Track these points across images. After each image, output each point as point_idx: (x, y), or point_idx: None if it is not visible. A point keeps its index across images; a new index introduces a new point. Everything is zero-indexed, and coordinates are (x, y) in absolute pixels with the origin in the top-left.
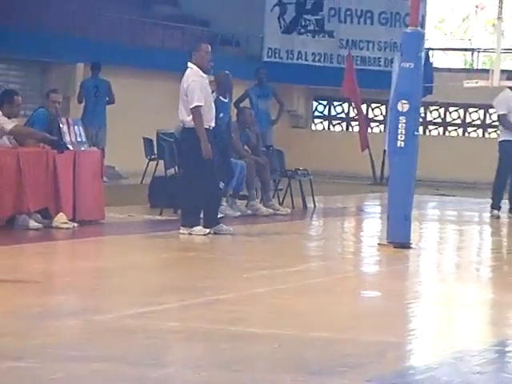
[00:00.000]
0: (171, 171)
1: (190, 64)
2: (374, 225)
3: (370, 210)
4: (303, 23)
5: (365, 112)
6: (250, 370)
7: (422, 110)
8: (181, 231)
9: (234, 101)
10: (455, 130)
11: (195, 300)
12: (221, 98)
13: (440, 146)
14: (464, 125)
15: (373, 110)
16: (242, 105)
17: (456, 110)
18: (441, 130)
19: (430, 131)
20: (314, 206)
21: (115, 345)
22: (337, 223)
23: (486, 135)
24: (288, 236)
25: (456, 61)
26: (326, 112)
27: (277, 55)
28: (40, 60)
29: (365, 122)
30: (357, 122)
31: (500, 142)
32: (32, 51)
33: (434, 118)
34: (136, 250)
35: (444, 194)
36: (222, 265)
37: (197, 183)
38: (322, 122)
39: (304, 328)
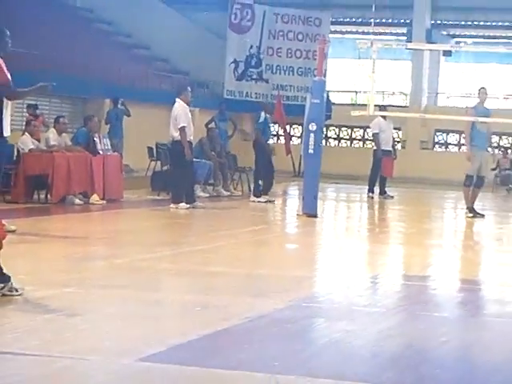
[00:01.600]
0: (165, 168)
1: (177, 99)
2: (294, 202)
3: (291, 192)
4: (249, 74)
5: (288, 130)
6: (216, 294)
7: (324, 129)
8: (171, 206)
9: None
10: (345, 142)
11: (180, 250)
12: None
13: (335, 152)
14: (351, 139)
15: (293, 129)
16: (210, 126)
17: (346, 130)
18: (336, 142)
19: (329, 143)
20: None
21: (129, 278)
22: (253, 204)
23: (365, 146)
24: (240, 209)
25: (346, 98)
26: None
27: (232, 94)
28: (81, 96)
29: (288, 136)
30: (283, 137)
31: (374, 150)
32: (76, 91)
33: (332, 135)
34: (142, 218)
35: (337, 183)
36: (197, 228)
37: (181, 175)
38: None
39: (251, 268)
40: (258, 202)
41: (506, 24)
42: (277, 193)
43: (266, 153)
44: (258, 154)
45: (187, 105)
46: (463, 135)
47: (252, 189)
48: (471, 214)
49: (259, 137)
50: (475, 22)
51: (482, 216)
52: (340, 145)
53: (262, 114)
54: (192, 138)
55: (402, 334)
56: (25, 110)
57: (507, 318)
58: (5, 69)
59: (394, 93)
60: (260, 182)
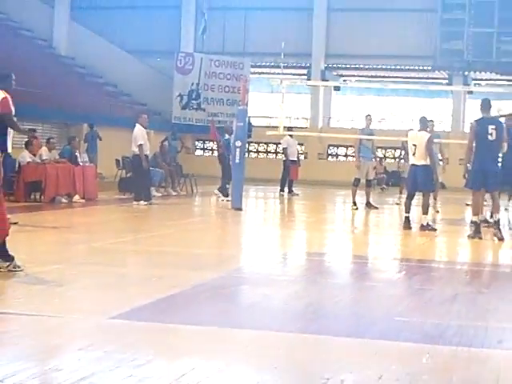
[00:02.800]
0: (129, 175)
1: (137, 124)
2: (221, 201)
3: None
4: (191, 104)
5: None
6: (167, 268)
7: (246, 145)
8: (133, 203)
9: (160, 140)
10: (262, 154)
11: (140, 236)
12: (226, 135)
13: (255, 162)
14: (266, 152)
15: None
16: (163, 143)
17: (263, 145)
18: (255, 154)
19: (250, 155)
20: (197, 191)
21: (102, 257)
22: (206, 198)
23: (277, 157)
24: (183, 205)
25: (262, 122)
26: (202, 146)
27: (179, 120)
28: (65, 122)
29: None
30: (217, 150)
31: (283, 160)
32: (61, 118)
33: (252, 149)
34: (112, 212)
35: (257, 185)
36: (152, 219)
37: (140, 180)
38: (201, 150)
39: (192, 248)
40: (227, 200)
41: (379, 67)
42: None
43: (229, 163)
44: (223, 163)
45: (144, 128)
46: (350, 148)
47: (219, 189)
48: (355, 207)
49: (224, 151)
50: (357, 65)
51: (376, 208)
52: (258, 156)
53: (226, 135)
54: (148, 152)
55: (306, 296)
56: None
57: (383, 283)
58: (11, 103)
59: (297, 117)
60: (227, 186)
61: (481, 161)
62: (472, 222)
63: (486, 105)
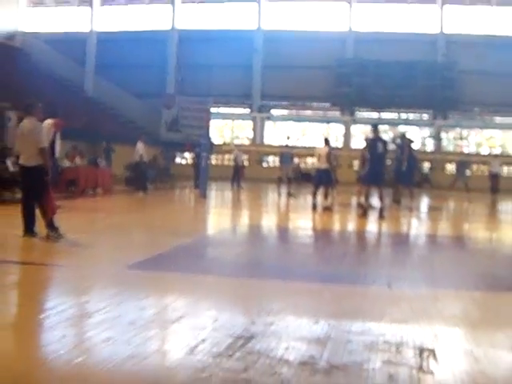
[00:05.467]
0: (132, 174)
1: (139, 141)
2: (193, 192)
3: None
4: (173, 128)
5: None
6: (156, 236)
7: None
8: (137, 193)
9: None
10: (220, 162)
11: (140, 215)
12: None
13: (215, 167)
14: (222, 160)
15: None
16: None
17: (220, 156)
18: (216, 162)
19: (212, 162)
20: (176, 186)
21: (116, 229)
22: (183, 190)
23: (229, 163)
24: (167, 194)
25: (220, 140)
26: (180, 156)
27: (165, 138)
28: (91, 142)
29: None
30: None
31: (233, 165)
32: (90, 138)
33: (213, 158)
34: (122, 199)
35: (217, 181)
36: (147, 204)
37: (140, 177)
38: (179, 159)
39: (171, 223)
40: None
41: (297, 104)
42: (185, 185)
43: (198, 167)
44: (195, 167)
45: (144, 143)
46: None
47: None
48: (293, 195)
49: (196, 159)
50: (282, 103)
51: (295, 197)
52: (217, 163)
53: (197, 149)
54: (146, 159)
55: (250, 253)
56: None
57: (299, 244)
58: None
59: (244, 137)
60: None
61: (372, 166)
62: (361, 205)
63: (375, 128)
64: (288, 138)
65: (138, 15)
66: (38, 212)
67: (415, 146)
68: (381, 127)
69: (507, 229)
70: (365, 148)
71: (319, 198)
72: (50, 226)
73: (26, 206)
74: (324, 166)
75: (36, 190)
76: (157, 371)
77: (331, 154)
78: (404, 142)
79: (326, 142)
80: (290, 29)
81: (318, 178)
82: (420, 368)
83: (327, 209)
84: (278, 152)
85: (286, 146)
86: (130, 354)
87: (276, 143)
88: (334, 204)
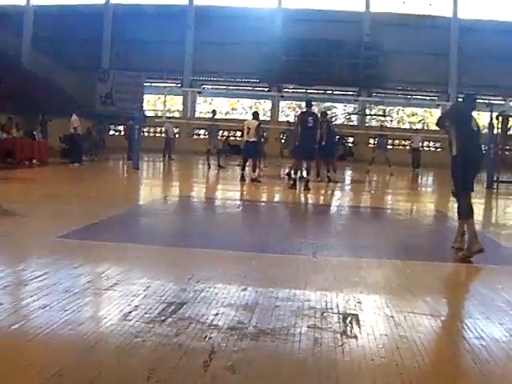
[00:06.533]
0: (67, 146)
1: (73, 114)
2: (126, 163)
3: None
4: (107, 102)
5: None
6: (91, 206)
7: (142, 128)
8: (70, 165)
9: None
10: (152, 134)
11: (75, 186)
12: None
13: (148, 139)
14: (155, 132)
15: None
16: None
17: (153, 128)
18: (147, 134)
19: (145, 134)
20: (110, 157)
21: (52, 199)
22: (116, 162)
23: (161, 136)
24: (102, 166)
25: (152, 113)
26: (114, 128)
27: (99, 111)
28: (29, 114)
29: (127, 131)
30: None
31: (165, 137)
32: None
33: (146, 131)
34: (58, 171)
35: (149, 153)
36: (83, 175)
37: (75, 149)
38: (113, 131)
39: (106, 194)
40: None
41: (228, 80)
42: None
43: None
44: (128, 139)
45: (78, 116)
46: (205, 131)
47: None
48: (222, 167)
49: (129, 131)
50: (213, 78)
51: (224, 167)
52: (149, 135)
53: (130, 121)
54: (80, 131)
55: (179, 223)
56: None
57: (229, 214)
58: None
59: (175, 110)
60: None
61: (303, 140)
62: (292, 178)
63: (308, 103)
64: (214, 112)
65: None
66: None
67: (337, 122)
68: (313, 103)
69: (427, 201)
70: (296, 123)
71: (247, 170)
72: None
73: None
74: (253, 138)
75: None
76: (92, 337)
77: (260, 128)
78: (323, 119)
79: (255, 115)
80: (222, 5)
81: (246, 150)
82: (344, 332)
83: (255, 180)
84: (207, 126)
85: (212, 118)
86: (65, 320)
87: (206, 117)
88: (261, 176)
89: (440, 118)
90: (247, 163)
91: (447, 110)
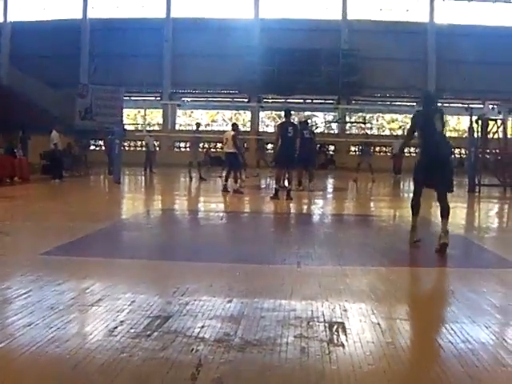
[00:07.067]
0: (48, 163)
1: (53, 130)
2: (107, 178)
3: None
4: (87, 117)
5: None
6: (74, 221)
7: (123, 142)
8: (51, 181)
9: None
10: (132, 148)
11: (57, 201)
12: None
13: (129, 153)
14: (135, 146)
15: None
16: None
17: (133, 142)
18: (128, 148)
19: (125, 148)
20: (91, 172)
21: (35, 216)
22: (97, 177)
23: (141, 150)
24: (83, 181)
25: (132, 127)
26: (94, 143)
27: (79, 127)
28: (8, 131)
29: (107, 147)
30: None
31: (145, 151)
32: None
33: (127, 145)
34: (39, 187)
35: (130, 167)
36: (64, 191)
37: (55, 166)
38: (93, 146)
39: (88, 207)
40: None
41: (207, 91)
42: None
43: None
44: (109, 154)
45: (58, 132)
46: (188, 143)
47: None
48: (204, 179)
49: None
50: (193, 91)
51: (205, 179)
52: (130, 149)
53: (110, 135)
54: (60, 147)
55: (163, 236)
56: None
57: (211, 226)
58: None
59: (155, 123)
60: (111, 168)
61: (284, 150)
62: (274, 188)
63: (287, 113)
64: (198, 124)
65: (50, 4)
66: None
67: (316, 131)
68: (292, 112)
69: (409, 207)
70: (276, 132)
71: (229, 181)
72: None
73: None
74: (231, 149)
75: None
76: (78, 353)
77: (237, 138)
78: (302, 128)
79: (234, 126)
80: (199, 17)
81: (228, 161)
82: (330, 341)
83: (237, 191)
84: (188, 138)
85: (196, 131)
86: (51, 337)
87: (187, 129)
88: (243, 186)
89: (408, 130)
90: (230, 174)
91: (411, 119)
